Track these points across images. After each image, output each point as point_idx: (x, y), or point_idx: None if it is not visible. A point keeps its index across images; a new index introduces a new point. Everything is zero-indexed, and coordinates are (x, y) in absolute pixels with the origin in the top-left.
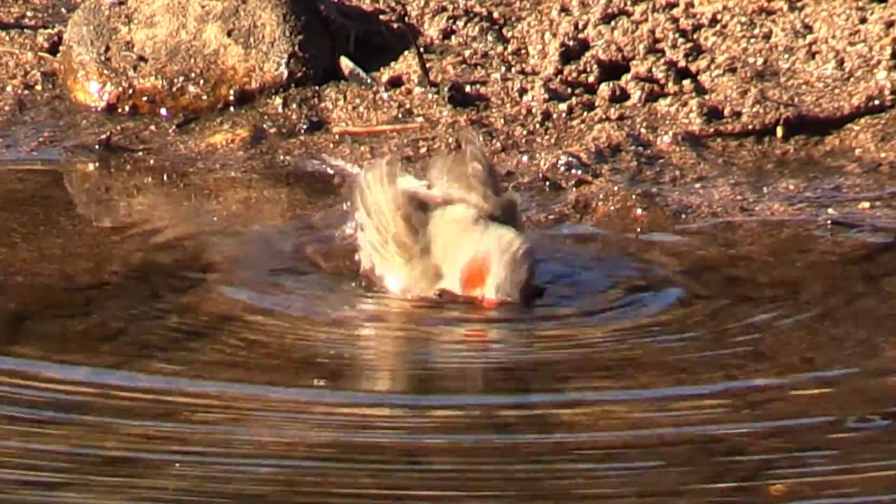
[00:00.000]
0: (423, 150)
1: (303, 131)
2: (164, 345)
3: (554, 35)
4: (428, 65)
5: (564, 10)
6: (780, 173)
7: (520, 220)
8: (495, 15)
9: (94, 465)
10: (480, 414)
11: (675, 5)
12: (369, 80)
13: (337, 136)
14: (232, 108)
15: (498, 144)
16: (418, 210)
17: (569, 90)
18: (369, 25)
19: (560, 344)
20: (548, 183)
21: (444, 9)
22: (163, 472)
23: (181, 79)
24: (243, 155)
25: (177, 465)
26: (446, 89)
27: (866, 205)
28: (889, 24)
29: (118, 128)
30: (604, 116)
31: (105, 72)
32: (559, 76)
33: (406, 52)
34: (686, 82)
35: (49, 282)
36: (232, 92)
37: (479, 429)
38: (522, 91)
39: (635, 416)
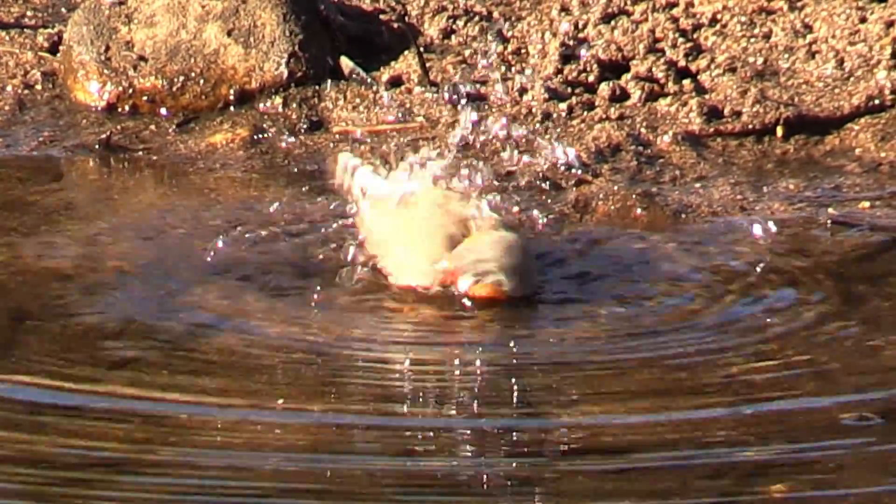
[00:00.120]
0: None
1: (303, 131)
2: (164, 344)
3: (554, 35)
4: (428, 64)
5: (564, 9)
6: (780, 173)
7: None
8: (495, 15)
9: (94, 465)
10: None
11: (675, 5)
12: (369, 80)
13: (337, 136)
14: (232, 108)
15: (498, 144)
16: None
17: (569, 90)
18: (369, 25)
19: (560, 343)
20: (548, 183)
21: (444, 8)
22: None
23: (181, 78)
24: (243, 154)
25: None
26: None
27: (866, 204)
28: (889, 24)
29: (118, 127)
30: (604, 116)
31: (105, 71)
32: (559, 76)
33: (406, 52)
34: (686, 82)
35: (49, 282)
36: (232, 91)
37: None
38: (522, 91)
39: (636, 416)
